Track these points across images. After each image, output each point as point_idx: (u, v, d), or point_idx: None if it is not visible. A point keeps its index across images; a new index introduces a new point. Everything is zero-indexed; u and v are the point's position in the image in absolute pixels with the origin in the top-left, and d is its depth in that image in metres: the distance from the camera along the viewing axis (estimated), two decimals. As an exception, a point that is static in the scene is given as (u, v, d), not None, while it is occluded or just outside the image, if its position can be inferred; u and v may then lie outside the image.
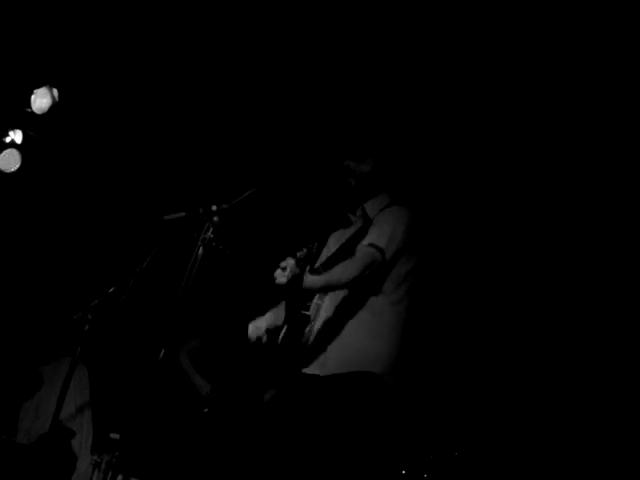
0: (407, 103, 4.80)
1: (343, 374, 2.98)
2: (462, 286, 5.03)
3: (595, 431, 4.46)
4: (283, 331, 3.15)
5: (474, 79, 4.57)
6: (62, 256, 5.91)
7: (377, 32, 4.55)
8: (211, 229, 2.83)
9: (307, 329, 3.13)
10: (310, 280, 2.88)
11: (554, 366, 4.70)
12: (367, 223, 3.16)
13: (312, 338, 3.11)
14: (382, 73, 4.76)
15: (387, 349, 3.02)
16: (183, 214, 2.91)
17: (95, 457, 4.36)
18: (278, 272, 2.85)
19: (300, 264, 2.83)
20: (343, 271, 2.95)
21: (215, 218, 2.84)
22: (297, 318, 3.13)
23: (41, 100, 5.27)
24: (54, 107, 5.29)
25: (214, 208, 2.85)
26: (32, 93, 5.26)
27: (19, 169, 5.42)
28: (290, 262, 2.83)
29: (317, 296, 3.20)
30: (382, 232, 3.04)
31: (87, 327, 3.40)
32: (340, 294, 3.11)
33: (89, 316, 3.39)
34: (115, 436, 4.38)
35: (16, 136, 5.41)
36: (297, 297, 3.13)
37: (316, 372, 3.04)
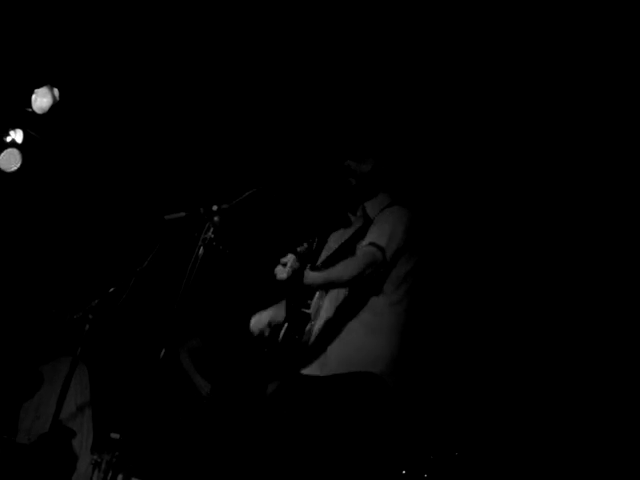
0: (407, 103, 4.80)
1: (343, 374, 2.98)
2: (462, 286, 5.03)
3: (595, 431, 4.46)
4: (284, 329, 3.15)
5: (474, 79, 4.57)
6: (63, 256, 5.91)
7: (377, 32, 4.55)
8: (212, 229, 2.83)
9: (307, 328, 3.14)
10: (311, 276, 2.89)
11: (554, 366, 4.70)
12: (367, 223, 3.17)
13: (312, 338, 3.11)
14: (382, 73, 4.76)
15: (387, 349, 3.02)
16: (183, 214, 2.91)
17: (95, 457, 4.36)
18: (279, 268, 2.85)
19: (300, 259, 2.84)
20: (344, 269, 2.96)
21: (216, 218, 2.84)
22: (298, 316, 3.14)
23: (42, 100, 5.27)
24: (55, 107, 5.29)
25: (215, 208, 2.86)
26: (33, 93, 5.27)
27: (20, 169, 5.42)
28: (290, 258, 2.84)
29: (317, 296, 3.20)
30: (382, 231, 3.05)
31: (87, 327, 3.40)
32: (340, 295, 3.11)
33: (89, 316, 3.39)
34: (115, 436, 4.38)
35: (17, 136, 5.41)
36: (298, 293, 3.13)
37: (316, 372, 3.04)
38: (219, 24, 4.85)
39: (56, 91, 5.28)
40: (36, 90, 5.26)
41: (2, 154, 5.36)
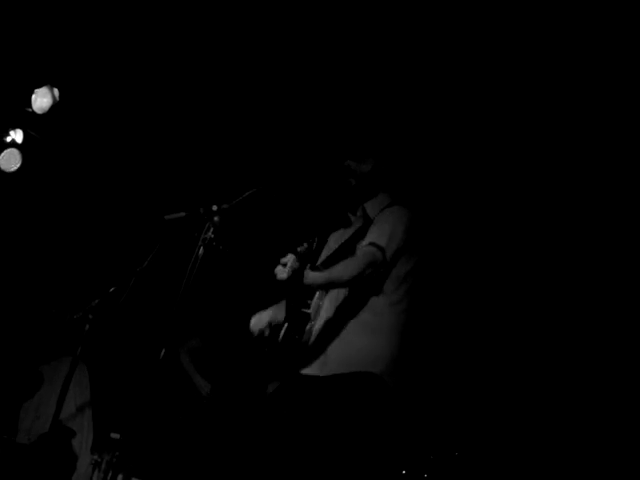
0: (407, 103, 4.80)
1: (343, 374, 2.98)
2: (461, 286, 5.03)
3: (595, 430, 4.46)
4: (284, 329, 3.15)
5: (474, 80, 4.57)
6: (63, 255, 5.91)
7: (378, 32, 4.55)
8: (212, 229, 2.83)
9: (307, 327, 3.14)
10: (311, 276, 2.89)
11: (553, 366, 4.70)
12: (367, 223, 3.17)
13: (312, 338, 3.12)
14: (383, 73, 4.76)
15: (387, 349, 3.02)
16: (183, 214, 2.91)
17: (95, 457, 4.36)
18: (279, 268, 2.85)
19: (300, 259, 2.84)
20: (344, 269, 2.96)
21: (216, 218, 2.84)
22: (298, 316, 3.14)
23: (42, 100, 5.27)
24: (55, 107, 5.29)
25: (215, 208, 2.85)
26: (33, 93, 5.27)
27: (20, 169, 5.42)
28: (290, 258, 2.84)
29: (317, 296, 3.20)
30: (382, 231, 3.05)
31: (88, 327, 3.40)
32: (340, 295, 3.11)
33: (90, 316, 3.39)
34: (115, 436, 4.38)
35: (17, 136, 5.41)
36: (298, 293, 3.13)
37: (316, 372, 3.04)
38: (219, 24, 4.85)
39: (56, 91, 5.28)
40: (36, 90, 5.26)
41: (2, 154, 5.36)
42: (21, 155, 5.41)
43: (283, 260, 2.86)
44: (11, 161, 5.38)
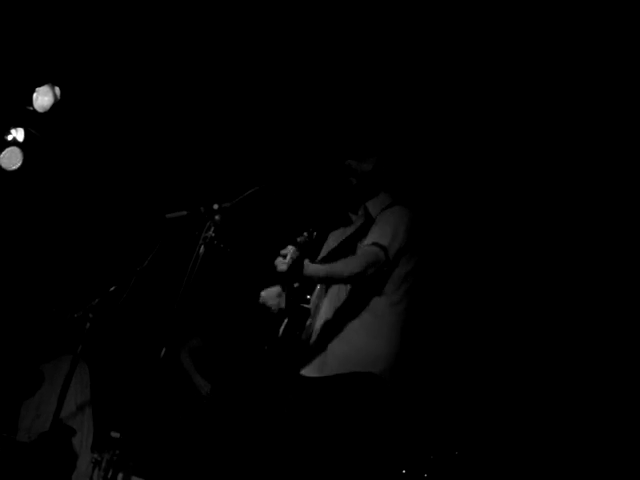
0: (409, 103, 4.80)
1: (343, 374, 2.98)
2: (461, 286, 5.03)
3: (595, 430, 4.46)
4: (284, 324, 3.15)
5: (475, 80, 4.57)
6: (63, 254, 5.91)
7: (379, 32, 4.55)
8: (213, 228, 2.83)
9: (307, 323, 3.14)
10: (312, 268, 2.87)
11: (553, 366, 4.70)
12: (369, 221, 3.16)
13: (312, 337, 3.11)
14: (384, 72, 4.75)
15: (387, 349, 3.02)
16: (185, 212, 2.90)
17: (96, 455, 4.37)
18: (279, 260, 2.84)
19: (300, 248, 2.83)
20: (346, 265, 2.95)
21: (217, 217, 2.84)
22: (297, 311, 3.13)
23: (43, 98, 5.27)
24: (56, 105, 5.30)
25: (216, 207, 2.85)
26: (34, 91, 5.27)
27: (21, 167, 5.42)
28: (290, 249, 2.83)
29: (316, 294, 3.20)
30: (384, 231, 3.04)
31: (88, 325, 3.40)
32: (341, 296, 3.11)
33: (90, 315, 3.39)
34: (116, 434, 4.39)
35: (18, 134, 5.41)
36: (298, 282, 3.12)
37: (317, 372, 3.04)
38: (220, 23, 4.84)
39: (57, 89, 5.29)
40: (37, 88, 5.26)
41: (3, 153, 5.36)
42: (22, 153, 5.41)
43: (283, 252, 2.84)
44: (12, 160, 5.38)
